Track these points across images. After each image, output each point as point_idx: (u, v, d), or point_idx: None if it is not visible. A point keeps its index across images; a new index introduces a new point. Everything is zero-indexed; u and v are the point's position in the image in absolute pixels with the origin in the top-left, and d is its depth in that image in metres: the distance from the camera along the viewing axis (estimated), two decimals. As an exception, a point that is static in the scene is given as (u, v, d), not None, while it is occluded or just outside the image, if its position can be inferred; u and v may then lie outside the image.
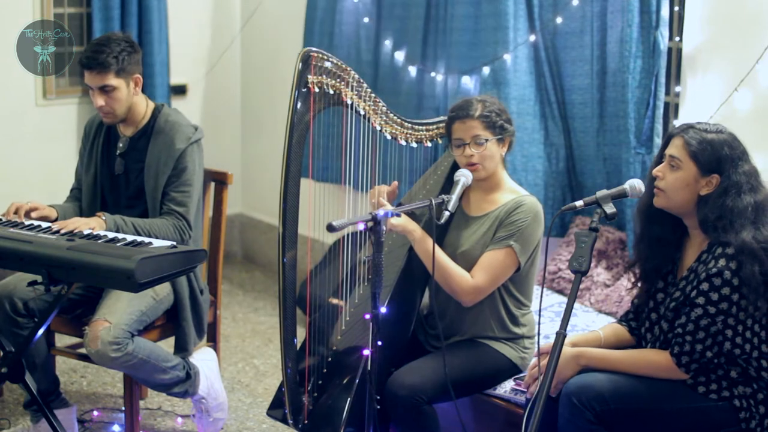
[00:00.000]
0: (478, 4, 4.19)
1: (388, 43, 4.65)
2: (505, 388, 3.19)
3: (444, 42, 4.41)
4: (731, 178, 2.70)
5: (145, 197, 3.51)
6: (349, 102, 3.06)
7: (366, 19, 4.76)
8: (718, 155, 2.71)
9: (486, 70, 4.21)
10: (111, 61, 3.40)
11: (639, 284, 2.96)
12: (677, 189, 2.75)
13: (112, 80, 3.42)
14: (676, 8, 3.74)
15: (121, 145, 3.58)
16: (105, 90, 3.42)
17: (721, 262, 2.66)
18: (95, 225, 3.28)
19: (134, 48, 3.49)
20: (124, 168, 3.57)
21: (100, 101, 3.44)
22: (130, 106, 3.50)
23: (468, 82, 4.31)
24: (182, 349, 3.54)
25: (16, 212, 3.34)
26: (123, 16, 5.08)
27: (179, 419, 3.88)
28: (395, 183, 3.24)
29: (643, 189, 2.76)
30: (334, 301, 3.25)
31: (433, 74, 4.45)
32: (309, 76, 2.93)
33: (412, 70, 4.54)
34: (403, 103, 4.57)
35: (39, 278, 2.98)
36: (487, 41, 4.20)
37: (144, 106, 3.56)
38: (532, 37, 4.06)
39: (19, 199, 3.40)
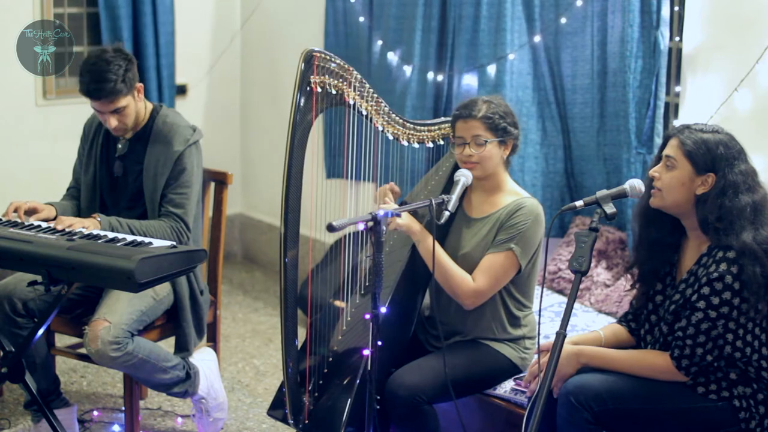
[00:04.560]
0: (479, 5, 4.19)
1: (392, 45, 4.66)
2: (506, 388, 3.19)
3: (445, 43, 4.41)
4: (727, 177, 2.71)
5: (145, 199, 3.51)
6: (351, 102, 3.06)
7: (361, 18, 4.76)
8: (713, 154, 2.72)
9: (484, 71, 4.21)
10: (120, 87, 3.34)
11: (637, 286, 2.97)
12: (673, 188, 2.76)
13: (122, 102, 3.38)
14: (676, 8, 3.75)
15: (120, 146, 3.56)
16: (116, 111, 3.40)
17: (723, 266, 2.66)
18: (89, 225, 3.27)
19: (131, 60, 3.43)
20: (123, 170, 3.56)
21: (113, 122, 3.41)
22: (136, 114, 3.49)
23: (468, 82, 4.31)
24: (183, 349, 3.54)
25: (15, 211, 3.34)
26: (134, 16, 5.07)
27: (179, 419, 3.88)
28: (397, 189, 3.24)
29: (643, 189, 2.77)
30: (338, 303, 3.24)
31: (432, 75, 4.45)
32: (311, 76, 2.93)
33: (410, 71, 4.54)
34: (403, 103, 4.57)
35: (39, 278, 2.98)
36: (487, 43, 4.20)
37: (144, 109, 3.54)
38: (537, 38, 4.06)
39: (18, 200, 3.40)
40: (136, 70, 3.45)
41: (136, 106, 3.46)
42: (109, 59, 3.37)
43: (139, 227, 3.38)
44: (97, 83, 3.34)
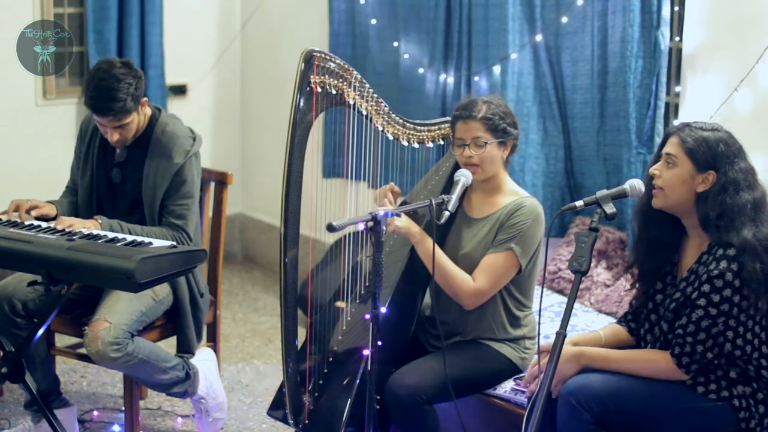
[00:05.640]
0: (482, 6, 4.19)
1: (396, 45, 4.66)
2: (506, 388, 3.19)
3: (450, 44, 4.42)
4: (728, 175, 2.71)
5: (144, 207, 3.49)
6: (351, 102, 3.06)
7: (373, 21, 4.76)
8: (713, 152, 2.72)
9: (487, 72, 4.21)
10: (129, 106, 3.30)
11: (637, 285, 2.97)
12: (674, 186, 2.76)
13: (126, 119, 3.35)
14: (676, 8, 3.74)
15: (118, 152, 3.53)
16: (120, 126, 3.37)
17: (723, 264, 2.67)
18: (90, 226, 3.27)
19: (140, 76, 3.38)
20: (121, 177, 3.53)
21: (115, 137, 3.37)
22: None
23: (472, 83, 4.31)
24: (185, 352, 3.54)
25: (16, 209, 3.33)
26: (120, 16, 5.07)
27: (179, 419, 3.88)
28: (397, 189, 3.24)
29: (643, 189, 2.77)
30: (340, 304, 3.24)
31: (438, 76, 4.46)
32: (311, 76, 2.93)
33: (417, 71, 4.55)
34: (410, 104, 4.58)
35: (39, 278, 2.98)
36: (491, 44, 4.21)
37: (143, 117, 3.49)
38: (539, 37, 4.05)
39: (19, 198, 3.40)
40: (142, 84, 3.39)
41: (138, 119, 3.43)
42: (120, 76, 3.29)
43: (140, 232, 3.36)
44: (105, 101, 3.28)
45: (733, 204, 2.70)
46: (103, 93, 3.28)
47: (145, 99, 3.44)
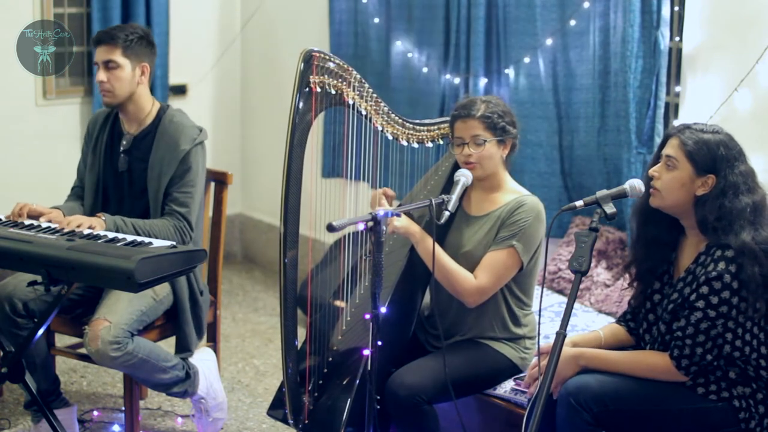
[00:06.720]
0: (488, 7, 4.20)
1: (398, 45, 4.66)
2: (505, 388, 3.19)
3: (449, 44, 4.42)
4: (728, 178, 2.71)
5: (148, 196, 3.51)
6: (350, 102, 3.06)
7: (376, 20, 4.76)
8: (713, 155, 2.72)
9: (491, 73, 4.22)
10: (120, 36, 3.45)
11: (635, 284, 2.97)
12: (673, 189, 2.76)
13: (118, 57, 3.44)
14: (676, 8, 3.75)
15: (125, 142, 3.57)
16: (109, 66, 3.45)
17: (721, 266, 2.66)
18: (95, 224, 3.28)
19: (149, 39, 3.53)
20: (127, 166, 3.57)
21: (102, 76, 3.46)
22: (132, 95, 3.50)
23: (474, 84, 4.32)
24: (184, 350, 3.54)
25: (20, 212, 3.33)
26: (124, 16, 5.08)
27: (179, 419, 3.89)
28: (392, 193, 3.24)
29: (643, 189, 2.76)
30: (339, 303, 3.24)
31: (440, 76, 4.46)
32: (311, 76, 2.93)
33: (422, 71, 4.55)
34: (411, 104, 4.58)
35: (39, 278, 2.98)
36: (491, 44, 4.21)
37: (150, 104, 3.56)
38: (549, 41, 4.05)
39: (19, 200, 3.39)
40: (150, 53, 3.54)
41: (132, 79, 3.49)
42: (132, 24, 3.60)
43: (143, 226, 3.38)
44: (106, 29, 3.54)
45: (732, 208, 2.70)
46: (111, 27, 3.56)
47: (146, 65, 3.52)
